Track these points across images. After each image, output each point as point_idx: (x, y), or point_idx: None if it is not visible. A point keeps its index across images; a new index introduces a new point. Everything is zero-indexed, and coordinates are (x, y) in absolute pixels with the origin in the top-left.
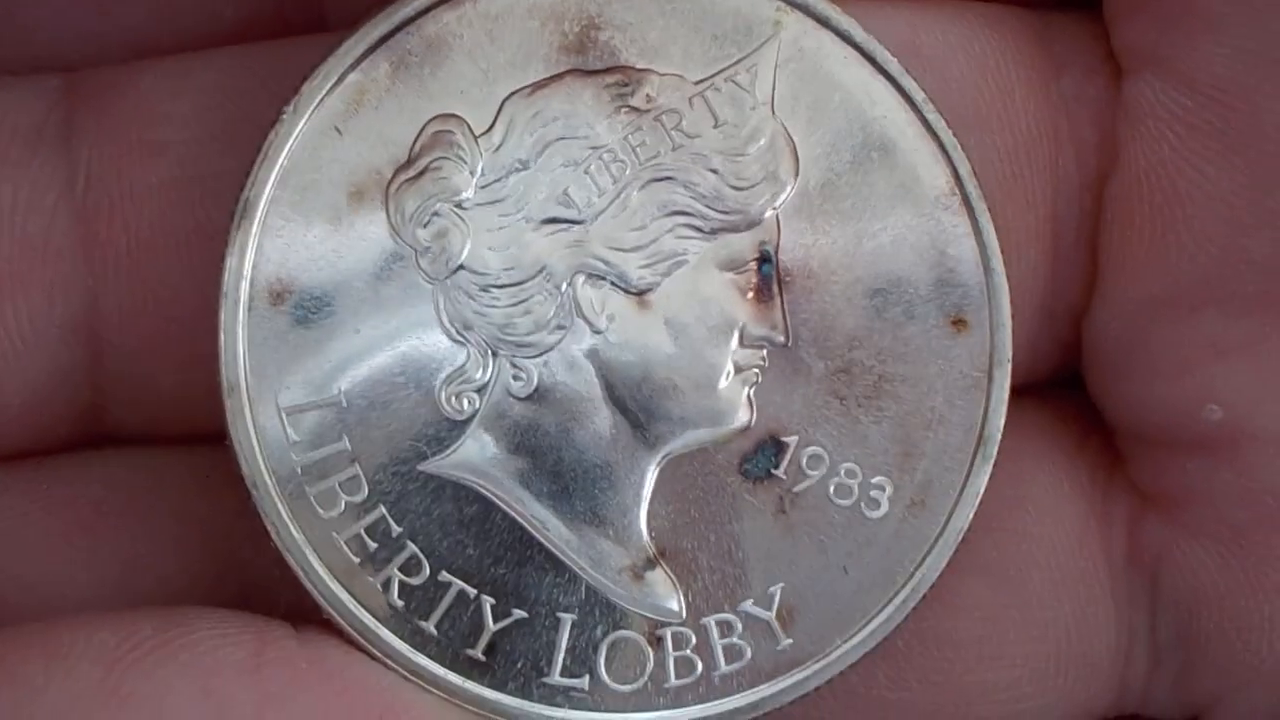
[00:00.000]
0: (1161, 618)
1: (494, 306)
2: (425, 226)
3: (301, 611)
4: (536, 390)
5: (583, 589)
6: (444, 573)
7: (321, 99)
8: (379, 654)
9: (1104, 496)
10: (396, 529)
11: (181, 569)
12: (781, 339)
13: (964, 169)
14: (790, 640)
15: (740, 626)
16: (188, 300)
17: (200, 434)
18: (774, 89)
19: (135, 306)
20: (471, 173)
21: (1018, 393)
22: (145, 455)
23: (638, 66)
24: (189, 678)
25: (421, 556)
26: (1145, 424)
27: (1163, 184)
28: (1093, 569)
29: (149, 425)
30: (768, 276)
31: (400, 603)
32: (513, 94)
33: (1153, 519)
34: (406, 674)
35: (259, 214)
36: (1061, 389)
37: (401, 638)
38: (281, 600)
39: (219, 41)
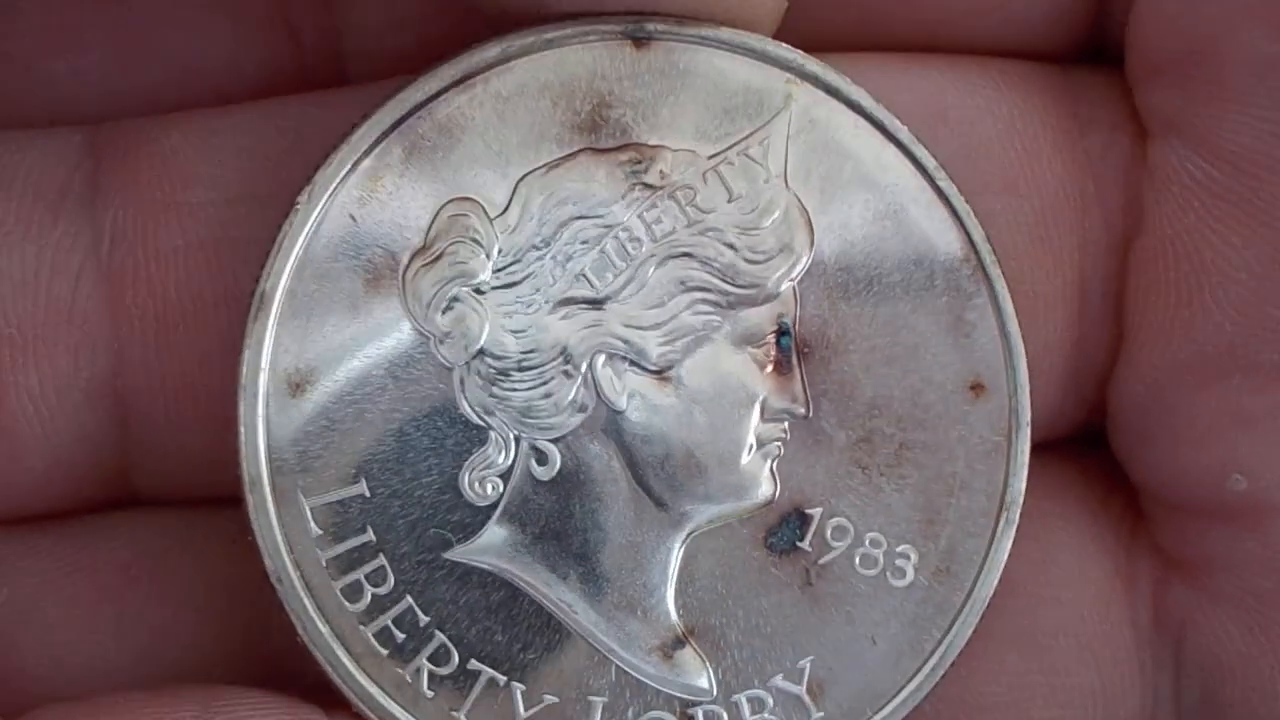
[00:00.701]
0: (1186, 683)
1: (515, 390)
2: (444, 312)
3: (329, 686)
4: (560, 473)
5: (613, 671)
6: (473, 661)
7: (335, 187)
8: None
9: (1128, 557)
10: (424, 619)
11: (209, 636)
12: (802, 411)
13: (977, 235)
14: (821, 714)
15: (771, 702)
16: (215, 364)
17: (227, 497)
18: (786, 161)
19: (162, 370)
20: (488, 256)
21: (1040, 451)
22: (171, 519)
23: (650, 143)
24: None
25: (450, 645)
26: (1169, 490)
27: (1188, 251)
28: (1118, 633)
29: (175, 489)
30: (786, 349)
31: (430, 693)
32: (527, 175)
33: (1177, 584)
34: None
35: (275, 306)
36: (1083, 446)
37: None
38: (310, 670)
39: (240, 96)
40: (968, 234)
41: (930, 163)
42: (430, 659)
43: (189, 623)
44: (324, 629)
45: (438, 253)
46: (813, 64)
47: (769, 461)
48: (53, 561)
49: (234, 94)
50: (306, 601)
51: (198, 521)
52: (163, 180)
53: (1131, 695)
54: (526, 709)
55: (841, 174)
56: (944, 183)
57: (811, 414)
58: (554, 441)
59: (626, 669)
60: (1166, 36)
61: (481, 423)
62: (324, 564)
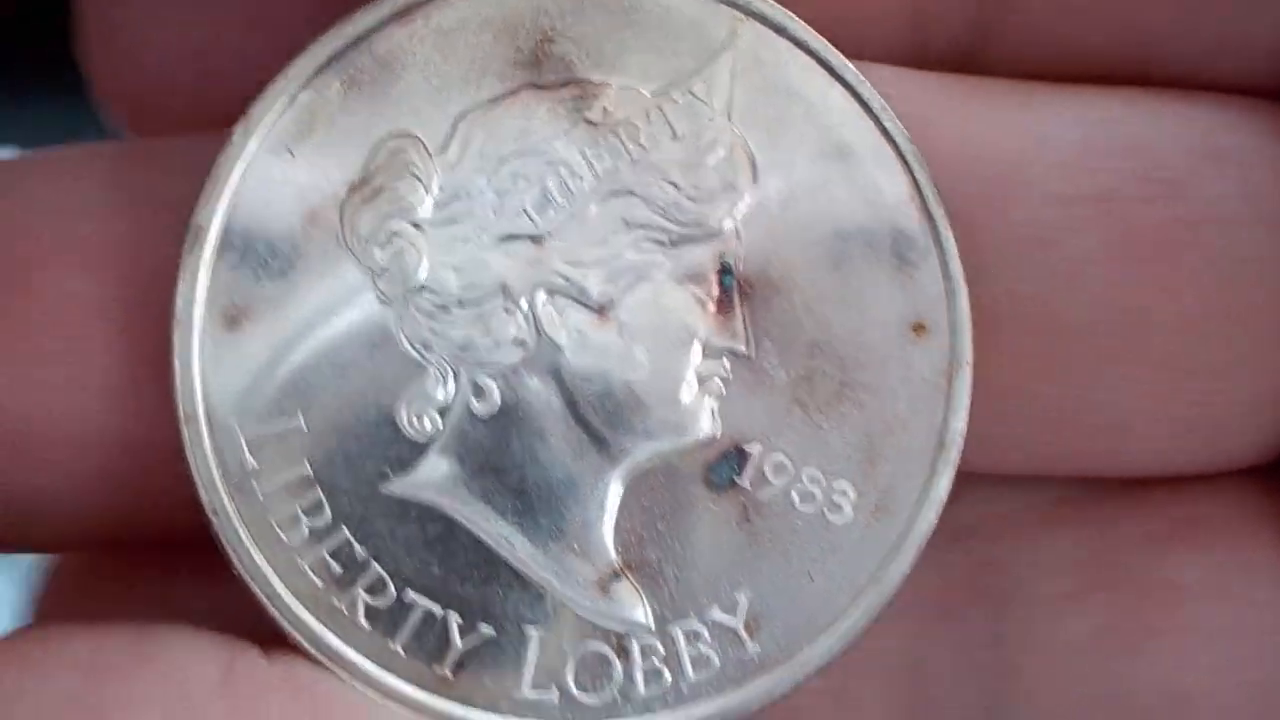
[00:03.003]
0: None
1: (454, 326)
2: (382, 247)
3: (268, 621)
4: (499, 409)
5: (549, 604)
6: (410, 593)
7: (271, 120)
8: (347, 676)
9: None
10: (361, 551)
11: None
12: (743, 349)
13: (922, 175)
14: (758, 647)
15: (707, 634)
16: None
17: None
18: (731, 99)
19: None
20: (428, 191)
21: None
22: None
23: (593, 80)
24: (162, 687)
25: (386, 578)
26: None
27: None
28: None
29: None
30: (728, 287)
31: (367, 624)
32: (467, 111)
33: None
34: (376, 694)
35: (211, 239)
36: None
37: (369, 658)
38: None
39: None
40: (912, 174)
41: (876, 102)
42: (367, 591)
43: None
44: (260, 561)
45: (377, 187)
46: (760, 1)
47: (709, 399)
48: None
49: None
50: (242, 533)
51: None
52: None
53: None
54: (463, 640)
55: (787, 113)
56: (889, 123)
57: (753, 352)
58: (493, 377)
59: (563, 602)
60: None
61: (420, 358)
62: (260, 497)
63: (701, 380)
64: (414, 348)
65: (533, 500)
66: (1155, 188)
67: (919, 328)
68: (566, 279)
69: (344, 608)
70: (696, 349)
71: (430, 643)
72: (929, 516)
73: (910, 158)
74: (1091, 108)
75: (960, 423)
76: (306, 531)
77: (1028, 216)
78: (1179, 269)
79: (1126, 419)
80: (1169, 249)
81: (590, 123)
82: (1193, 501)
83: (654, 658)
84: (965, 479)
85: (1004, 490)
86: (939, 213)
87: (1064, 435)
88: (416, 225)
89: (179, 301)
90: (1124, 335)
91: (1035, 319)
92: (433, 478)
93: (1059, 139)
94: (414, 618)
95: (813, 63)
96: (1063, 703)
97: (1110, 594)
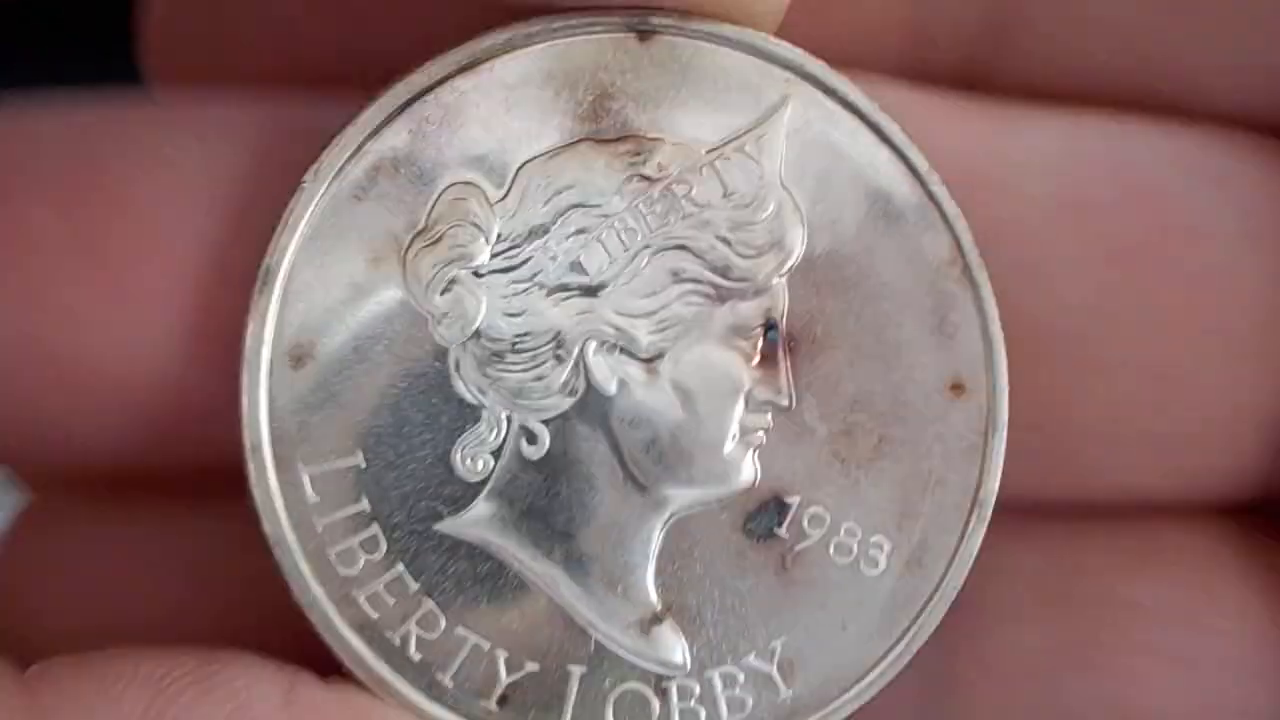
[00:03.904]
0: None
1: (508, 372)
2: (442, 293)
3: (322, 649)
4: (548, 453)
5: (592, 643)
6: (460, 628)
7: (341, 166)
8: (398, 705)
9: None
10: (414, 586)
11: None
12: (785, 403)
13: (965, 238)
14: (791, 692)
15: (743, 679)
16: None
17: None
18: (782, 159)
19: None
20: (487, 240)
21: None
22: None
23: (649, 136)
24: (226, 707)
25: (438, 612)
26: None
27: None
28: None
29: None
30: (773, 342)
31: (418, 656)
32: (527, 162)
33: None
34: None
35: (280, 280)
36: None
37: (419, 689)
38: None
39: None
40: (956, 237)
41: (923, 166)
42: (419, 624)
43: (214, 595)
44: (318, 592)
45: (438, 235)
46: (813, 64)
47: (751, 450)
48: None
49: None
50: (302, 566)
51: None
52: None
53: None
54: (508, 674)
55: (835, 173)
56: (936, 186)
57: (794, 406)
58: (544, 423)
59: (605, 642)
60: None
61: (475, 401)
62: (320, 530)
63: (744, 432)
64: (470, 392)
65: (578, 543)
66: (1136, 198)
67: (957, 388)
68: (617, 329)
69: (396, 640)
70: (740, 401)
71: (477, 676)
72: (961, 572)
73: (954, 221)
74: (1083, 125)
75: (994, 483)
76: (363, 564)
77: (1008, 215)
78: (1156, 279)
79: (1094, 431)
80: (1145, 258)
81: (645, 178)
82: (1162, 529)
83: (691, 699)
84: None
85: None
86: (981, 277)
87: (1036, 449)
88: (476, 273)
89: (248, 340)
90: (1098, 342)
91: (1011, 324)
92: (483, 518)
93: (1046, 149)
94: (463, 652)
95: (861, 125)
96: (1004, 715)
97: (1066, 610)
